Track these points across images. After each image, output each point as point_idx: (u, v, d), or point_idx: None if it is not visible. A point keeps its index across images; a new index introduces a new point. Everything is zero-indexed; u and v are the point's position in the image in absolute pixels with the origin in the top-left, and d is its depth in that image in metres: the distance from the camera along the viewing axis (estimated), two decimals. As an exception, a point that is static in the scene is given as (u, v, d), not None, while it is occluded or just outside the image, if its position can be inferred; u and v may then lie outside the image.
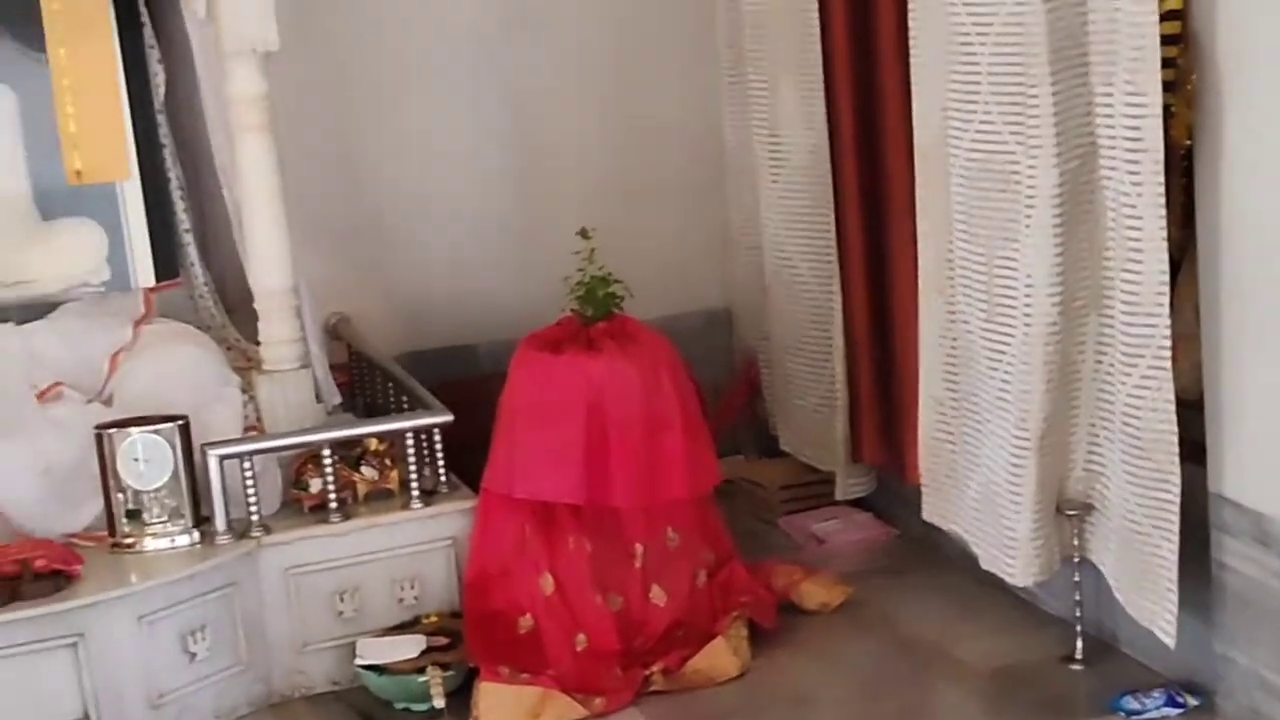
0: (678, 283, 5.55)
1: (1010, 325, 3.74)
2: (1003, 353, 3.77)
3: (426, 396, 4.39)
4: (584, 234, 4.17)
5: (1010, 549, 3.85)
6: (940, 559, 4.53)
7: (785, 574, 4.46)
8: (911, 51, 4.02)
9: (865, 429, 4.72)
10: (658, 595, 4.16)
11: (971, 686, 3.93)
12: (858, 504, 4.98)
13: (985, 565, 4.00)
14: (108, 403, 4.31)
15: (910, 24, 4.00)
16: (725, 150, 5.34)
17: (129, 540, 4.03)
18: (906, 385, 4.37)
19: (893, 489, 4.80)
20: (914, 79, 4.02)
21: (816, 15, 4.61)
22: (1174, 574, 3.45)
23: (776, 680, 4.04)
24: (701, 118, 5.45)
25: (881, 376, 4.62)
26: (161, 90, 4.77)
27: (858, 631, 4.26)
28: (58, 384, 4.34)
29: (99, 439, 4.02)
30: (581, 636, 4.07)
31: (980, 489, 3.96)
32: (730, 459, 5.31)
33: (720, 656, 4.06)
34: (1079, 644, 3.93)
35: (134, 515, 4.03)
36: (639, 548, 4.15)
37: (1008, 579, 3.93)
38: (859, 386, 4.72)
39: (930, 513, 4.27)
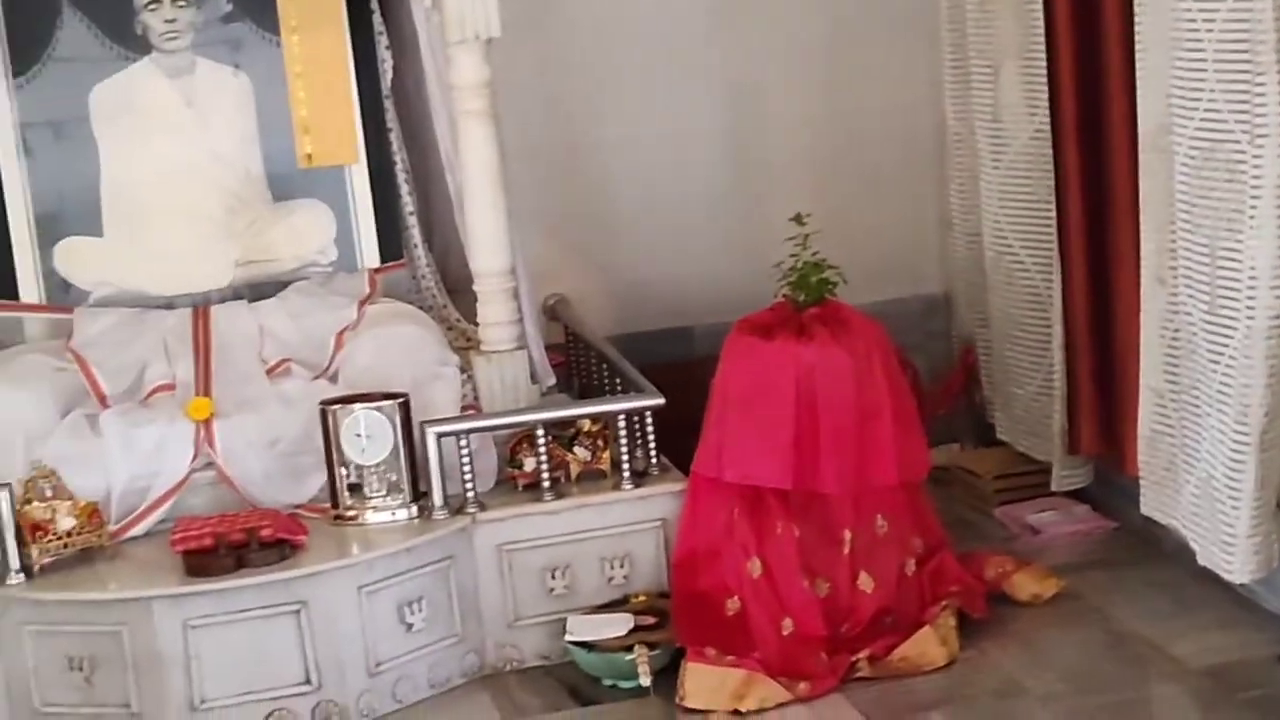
0: (896, 268, 5.53)
1: (1233, 318, 3.65)
2: (1225, 346, 3.69)
3: (639, 379, 4.45)
4: (798, 219, 4.18)
5: (1228, 545, 3.77)
6: (1158, 554, 4.44)
7: (997, 564, 4.41)
8: (1136, 37, 3.93)
9: (1083, 419, 4.64)
10: (865, 582, 4.16)
11: (1185, 684, 3.86)
12: (1075, 495, 4.90)
13: (1202, 561, 3.91)
14: (333, 379, 4.42)
15: (1136, 9, 3.92)
16: (946, 135, 5.29)
17: (350, 513, 4.16)
18: (1127, 376, 4.29)
19: (1112, 481, 4.71)
20: (1138, 65, 3.94)
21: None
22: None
23: (985, 671, 4.01)
24: (922, 102, 5.42)
25: (1101, 366, 4.55)
26: (389, 77, 4.87)
27: (1069, 624, 4.20)
28: (286, 360, 4.48)
29: (324, 415, 4.14)
30: (788, 621, 4.08)
31: (1199, 484, 3.88)
32: (946, 447, 5.32)
33: (928, 645, 4.05)
34: (1297, 644, 3.85)
35: (355, 489, 4.15)
36: (847, 534, 4.15)
37: (1225, 575, 3.84)
38: (1078, 376, 4.64)
39: (1148, 506, 4.19)
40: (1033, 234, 4.78)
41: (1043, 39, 4.56)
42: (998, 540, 4.76)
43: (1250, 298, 3.57)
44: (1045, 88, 4.59)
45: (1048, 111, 4.60)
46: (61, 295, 4.69)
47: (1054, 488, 4.85)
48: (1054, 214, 4.66)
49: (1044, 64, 4.58)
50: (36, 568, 3.96)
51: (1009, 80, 4.75)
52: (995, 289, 4.99)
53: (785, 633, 4.07)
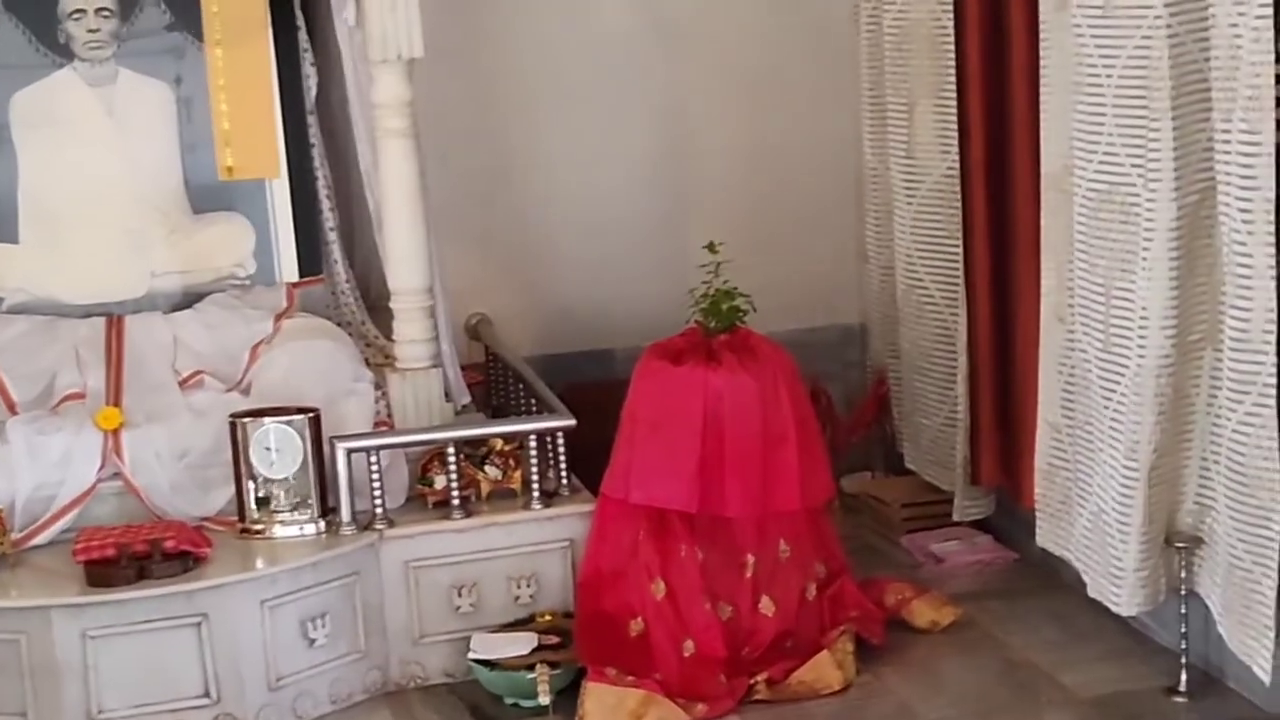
0: (814, 297, 5.62)
1: (1125, 357, 3.74)
2: (1116, 383, 3.78)
3: (552, 399, 4.49)
4: (711, 247, 4.23)
5: (1117, 578, 3.85)
6: (1056, 585, 4.52)
7: (896, 591, 4.48)
8: (1042, 80, 4.04)
9: (985, 451, 4.72)
10: (767, 606, 4.21)
11: (1074, 713, 3.93)
12: (980, 525, 4.98)
13: (1092, 593, 4.00)
14: (245, 392, 4.44)
15: (1041, 53, 4.02)
16: (863, 170, 5.37)
17: (258, 526, 4.17)
18: (1026, 410, 4.37)
19: (1014, 512, 4.78)
20: (1043, 108, 4.04)
21: (953, 38, 4.63)
22: (1273, 611, 3.43)
23: (879, 696, 4.07)
24: (844, 137, 5.49)
25: (1003, 400, 4.63)
26: (313, 92, 4.90)
27: (965, 652, 4.28)
28: (200, 372, 4.49)
29: (233, 427, 4.16)
30: (689, 643, 4.13)
31: (1091, 517, 3.96)
32: (858, 475, 5.39)
33: (825, 669, 4.11)
34: (1184, 676, 3.92)
35: (263, 503, 4.17)
36: (750, 558, 4.21)
37: (1113, 608, 3.93)
38: (981, 409, 4.72)
39: (1044, 538, 4.27)
40: (942, 269, 4.87)
41: (954, 80, 4.65)
42: (904, 567, 4.83)
43: (1142, 337, 3.66)
44: (956, 127, 4.67)
45: (958, 151, 4.68)
46: (-28, 301, 4.70)
47: (956, 517, 4.93)
48: (961, 250, 4.74)
49: (955, 104, 4.66)
50: (-63, 573, 3.96)
51: (923, 119, 4.84)
52: (906, 321, 5.07)
53: (686, 654, 4.12)
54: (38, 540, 4.14)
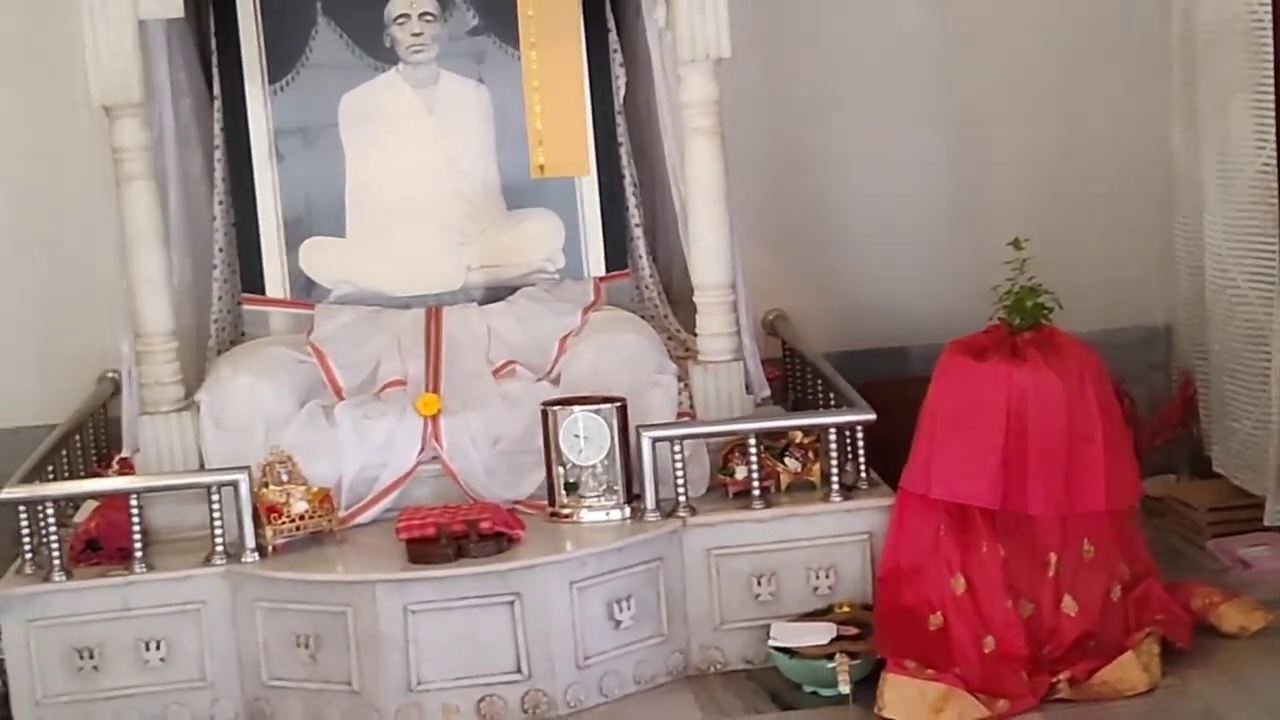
0: (1118, 297, 5.54)
1: None
2: None
3: (852, 394, 4.53)
4: (1016, 244, 4.21)
5: None
6: (1372, 593, 4.40)
7: (1204, 595, 4.39)
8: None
9: (1299, 455, 4.62)
10: (1069, 605, 4.18)
11: (1390, 725, 3.83)
12: (1289, 531, 4.87)
13: None
14: (555, 382, 4.58)
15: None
16: (1173, 167, 5.28)
17: (566, 511, 4.31)
18: (1345, 413, 4.26)
19: (1328, 519, 4.67)
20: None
21: (1271, 33, 4.53)
22: None
23: (1186, 699, 4.01)
24: (1148, 134, 5.42)
25: (1320, 403, 4.52)
26: (622, 93, 5.03)
27: (1274, 658, 4.17)
28: (512, 362, 4.66)
29: (545, 415, 4.30)
30: (990, 639, 4.12)
31: None
32: (1162, 478, 5.30)
33: (1129, 670, 4.05)
34: None
35: (572, 488, 4.30)
36: (1053, 556, 4.18)
37: None
38: (1295, 411, 4.62)
39: (1359, 544, 4.16)
40: (1256, 268, 4.76)
41: (1272, 74, 4.54)
42: (1208, 572, 4.73)
43: None
44: (1274, 122, 4.57)
45: (1275, 146, 4.58)
46: (304, 292, 4.95)
47: (1267, 522, 4.80)
48: (1277, 248, 4.62)
49: (1273, 99, 4.56)
50: (270, 548, 4.19)
51: (1237, 114, 4.74)
52: (1216, 321, 4.97)
53: (987, 650, 4.11)
54: (362, 519, 4.36)
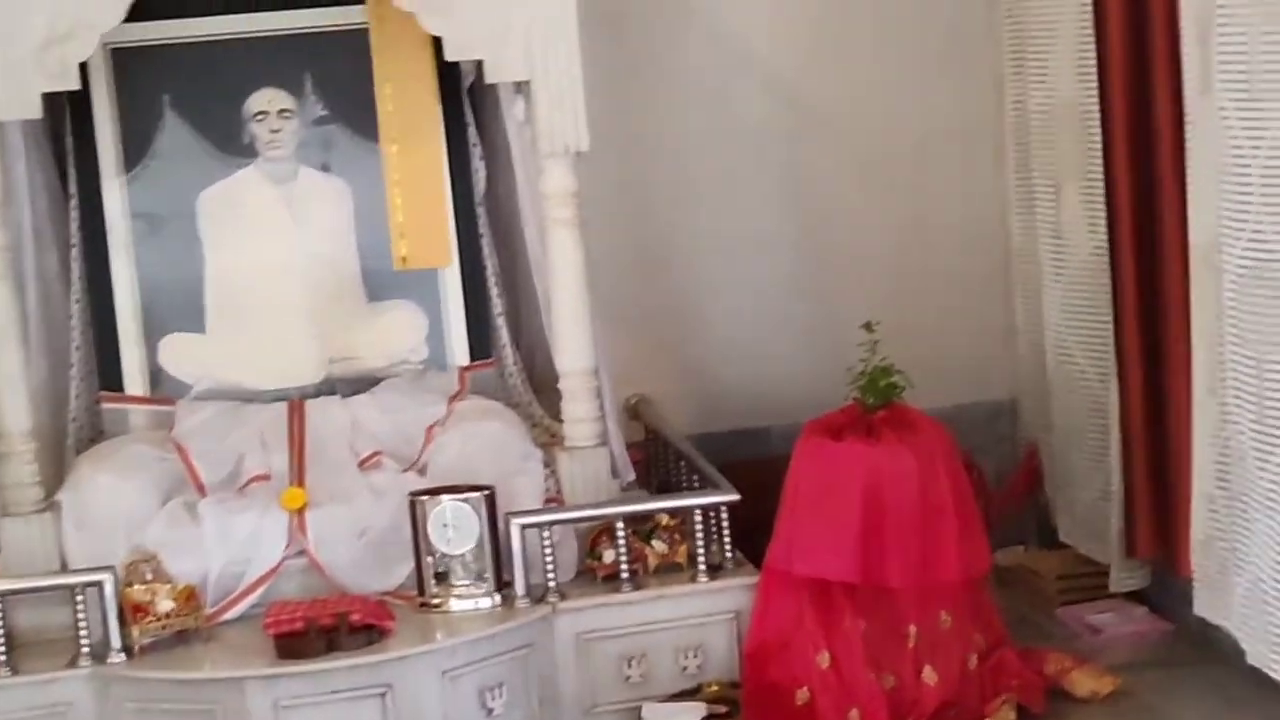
0: (964, 374, 5.66)
1: (1279, 428, 3.80)
2: (1271, 454, 3.84)
3: (715, 476, 4.62)
4: (868, 327, 4.35)
5: (1276, 645, 3.90)
6: (1213, 654, 4.54)
7: (1056, 661, 4.54)
8: (1187, 161, 4.13)
9: (1140, 523, 4.77)
10: (929, 675, 4.29)
11: (1235, 782, 3.98)
12: (1134, 597, 5.01)
13: (1252, 660, 4.04)
14: (422, 472, 4.62)
15: (1186, 134, 4.13)
16: (1010, 249, 5.48)
17: (436, 600, 4.34)
18: (1181, 482, 4.43)
19: (1170, 583, 4.81)
20: (1189, 187, 4.13)
21: (1099, 120, 4.73)
22: None
23: (1041, 764, 4.15)
24: (989, 215, 5.60)
25: (1157, 472, 4.68)
26: (482, 185, 5.09)
27: (1124, 721, 4.33)
28: (377, 453, 4.69)
29: (412, 506, 4.34)
30: (855, 712, 4.22)
31: (1249, 585, 4.01)
32: (1012, 548, 5.43)
33: (988, 737, 4.19)
34: (1347, 744, 3.95)
35: (442, 577, 4.33)
36: (912, 628, 4.30)
37: (1273, 675, 3.96)
38: (1135, 481, 4.77)
39: (1201, 607, 4.32)
40: (1092, 344, 4.95)
41: (1101, 161, 4.75)
42: (1059, 639, 4.87)
43: (1296, 409, 3.73)
44: (1104, 207, 4.77)
45: (1106, 229, 4.78)
46: (164, 388, 4.92)
47: (1112, 589, 4.96)
48: (1112, 325, 4.82)
49: (1102, 184, 4.76)
50: (137, 648, 4.16)
51: (1070, 200, 4.94)
52: (1058, 396, 5.15)
53: (851, 723, 4.22)
54: (229, 615, 4.34)
